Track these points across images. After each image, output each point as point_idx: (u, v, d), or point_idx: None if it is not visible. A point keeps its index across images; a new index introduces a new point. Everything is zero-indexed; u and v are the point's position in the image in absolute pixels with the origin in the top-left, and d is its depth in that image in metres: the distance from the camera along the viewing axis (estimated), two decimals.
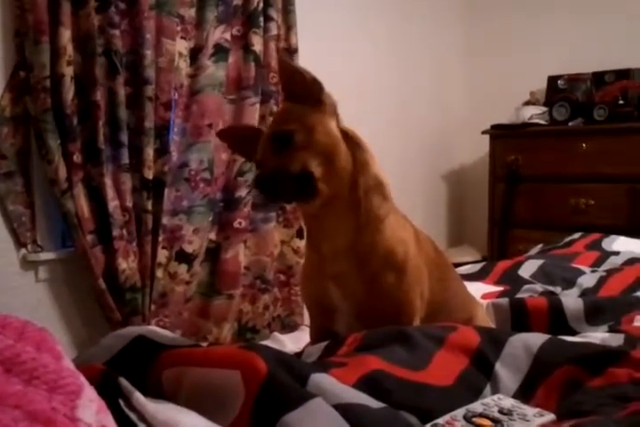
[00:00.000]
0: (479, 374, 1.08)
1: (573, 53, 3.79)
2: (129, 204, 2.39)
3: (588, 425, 0.90)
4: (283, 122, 1.28)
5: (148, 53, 2.40)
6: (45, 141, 2.21)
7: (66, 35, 2.19)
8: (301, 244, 2.93)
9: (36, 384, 0.72)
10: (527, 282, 2.06)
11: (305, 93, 1.27)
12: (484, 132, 3.79)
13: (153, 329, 1.16)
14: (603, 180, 3.39)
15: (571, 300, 1.71)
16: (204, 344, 1.16)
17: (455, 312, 1.45)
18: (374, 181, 1.31)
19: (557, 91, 3.65)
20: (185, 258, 2.61)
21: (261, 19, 2.78)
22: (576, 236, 2.74)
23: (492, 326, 1.60)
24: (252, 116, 2.76)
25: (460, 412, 0.95)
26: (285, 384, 0.89)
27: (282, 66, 1.30)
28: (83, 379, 0.78)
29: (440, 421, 0.93)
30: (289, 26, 2.93)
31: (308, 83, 1.26)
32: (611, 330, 1.56)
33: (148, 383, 1.01)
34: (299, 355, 1.21)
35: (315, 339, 1.43)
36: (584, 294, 1.94)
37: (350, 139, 1.29)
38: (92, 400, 0.75)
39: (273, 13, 2.83)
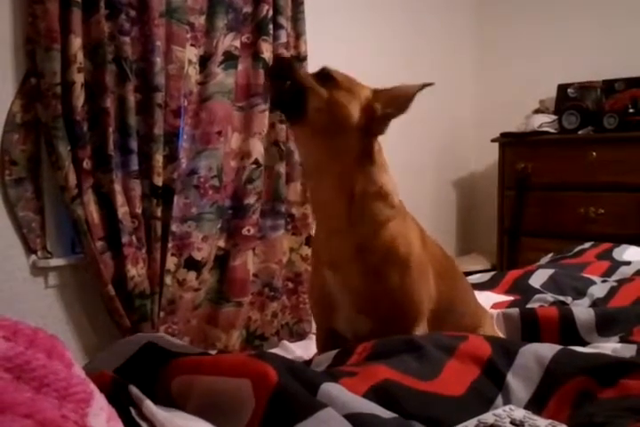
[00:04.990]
0: (490, 384, 1.07)
1: (583, 61, 3.78)
2: (138, 210, 2.40)
3: None
4: (346, 81, 1.32)
5: (158, 61, 2.41)
6: (55, 148, 2.22)
7: (76, 42, 2.20)
8: (310, 251, 2.92)
9: (46, 392, 0.72)
10: (538, 292, 2.05)
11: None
12: (493, 140, 3.77)
13: (162, 336, 1.16)
14: (613, 188, 3.37)
15: (581, 310, 1.69)
16: (213, 352, 1.15)
17: (464, 317, 1.45)
18: (376, 189, 1.31)
19: (567, 99, 3.64)
20: (194, 265, 2.61)
21: (271, 26, 2.79)
22: (587, 245, 2.72)
23: (501, 336, 1.59)
24: (262, 123, 2.76)
25: (471, 422, 0.94)
26: (296, 394, 0.89)
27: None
28: (93, 387, 0.78)
29: None
30: (298, 33, 2.94)
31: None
32: (622, 341, 1.54)
33: (156, 391, 1.01)
34: (308, 363, 1.21)
35: (320, 340, 1.43)
36: (595, 304, 1.92)
37: (369, 153, 1.32)
38: (103, 408, 0.75)
39: (282, 21, 2.84)
